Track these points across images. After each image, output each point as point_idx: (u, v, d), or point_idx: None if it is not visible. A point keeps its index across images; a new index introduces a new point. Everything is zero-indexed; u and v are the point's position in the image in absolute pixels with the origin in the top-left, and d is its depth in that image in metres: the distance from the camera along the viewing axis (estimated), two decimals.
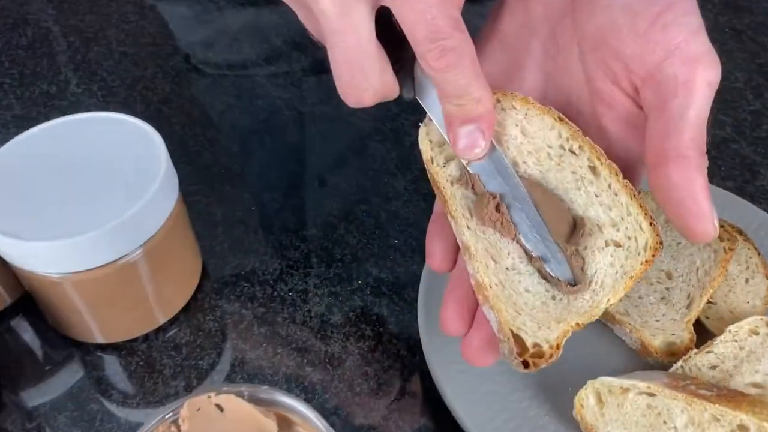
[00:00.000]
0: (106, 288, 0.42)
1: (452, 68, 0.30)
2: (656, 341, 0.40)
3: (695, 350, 0.39)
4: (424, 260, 0.45)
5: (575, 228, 0.33)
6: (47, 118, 0.44)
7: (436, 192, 0.34)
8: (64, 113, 0.45)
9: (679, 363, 0.39)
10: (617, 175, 0.33)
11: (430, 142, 0.34)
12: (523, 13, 0.35)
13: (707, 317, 0.43)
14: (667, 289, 0.42)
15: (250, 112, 0.60)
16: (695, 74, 0.29)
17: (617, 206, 0.33)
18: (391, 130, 0.58)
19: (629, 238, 0.32)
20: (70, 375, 0.43)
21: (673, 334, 0.40)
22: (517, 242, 0.33)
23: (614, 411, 0.37)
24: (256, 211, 0.53)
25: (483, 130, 0.32)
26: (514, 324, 0.31)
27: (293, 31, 0.67)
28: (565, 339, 0.31)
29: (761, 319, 0.39)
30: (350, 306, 0.46)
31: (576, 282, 0.32)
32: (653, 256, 0.32)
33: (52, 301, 0.43)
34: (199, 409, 0.31)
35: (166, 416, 0.31)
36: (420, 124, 0.35)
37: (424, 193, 0.54)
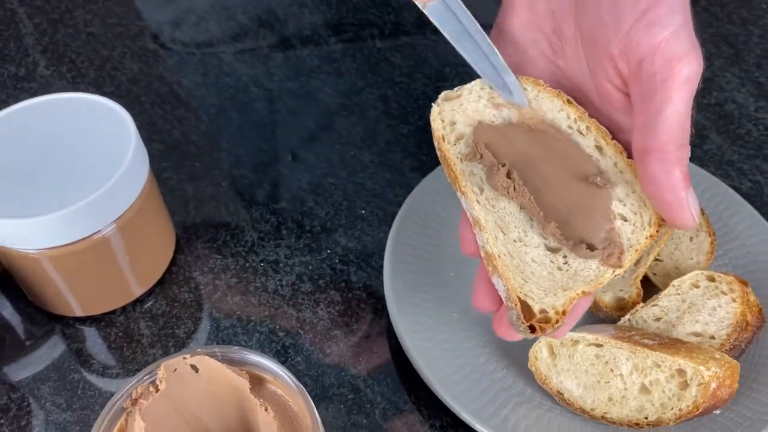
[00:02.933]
0: (82, 262, 0.43)
1: None
2: (606, 297, 0.43)
3: (642, 304, 0.42)
4: (389, 229, 0.48)
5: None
6: (17, 101, 0.45)
7: (445, 170, 0.36)
8: (34, 95, 0.46)
9: (627, 316, 0.42)
10: (622, 153, 0.34)
11: (442, 121, 0.36)
12: (528, 11, 0.37)
13: (654, 274, 0.45)
14: None
15: (217, 89, 0.62)
16: (674, 72, 0.30)
17: (623, 184, 0.34)
18: (356, 104, 0.60)
19: (635, 214, 0.33)
20: (51, 348, 0.45)
21: (621, 290, 0.43)
22: (525, 206, 0.34)
23: (566, 362, 0.39)
24: (226, 187, 0.54)
25: None
26: (521, 291, 0.32)
27: (259, 8, 0.68)
28: (571, 306, 0.32)
29: (702, 273, 0.42)
30: (320, 274, 0.49)
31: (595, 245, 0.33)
32: (657, 231, 0.33)
33: (30, 277, 0.44)
34: (175, 370, 0.33)
35: (144, 378, 0.33)
36: (432, 104, 0.36)
37: (389, 165, 0.56)
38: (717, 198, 0.49)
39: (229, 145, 0.57)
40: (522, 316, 0.31)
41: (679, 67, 0.30)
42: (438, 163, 0.52)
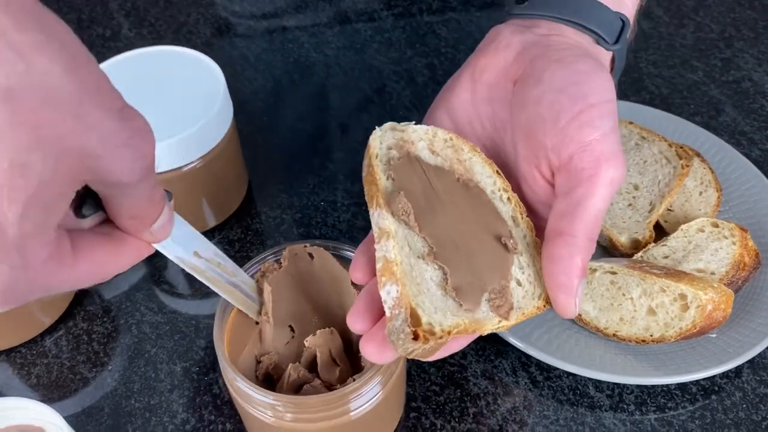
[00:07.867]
0: (171, 189, 0.51)
1: None
2: (623, 238, 0.50)
3: (653, 244, 0.49)
4: None
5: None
6: (104, 59, 0.52)
7: (366, 186, 0.35)
8: (119, 54, 0.53)
9: (639, 253, 0.49)
10: (532, 231, 0.36)
11: (381, 143, 0.36)
12: (470, 92, 0.39)
13: (666, 221, 0.52)
14: (634, 197, 0.51)
15: (282, 54, 0.69)
16: (599, 171, 0.32)
17: (527, 255, 0.35)
18: (406, 70, 0.67)
19: (530, 284, 0.35)
20: (144, 264, 0.53)
21: (636, 232, 0.50)
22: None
23: (585, 287, 0.46)
24: (290, 138, 0.61)
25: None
26: (414, 300, 0.31)
27: None
28: (455, 331, 0.31)
29: (707, 220, 0.49)
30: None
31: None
32: (544, 306, 0.34)
33: None
34: (296, 254, 0.41)
35: (268, 257, 0.41)
36: (377, 127, 0.36)
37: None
38: (726, 160, 0.55)
39: (293, 103, 0.65)
40: (409, 320, 0.30)
41: (605, 167, 0.33)
42: None
